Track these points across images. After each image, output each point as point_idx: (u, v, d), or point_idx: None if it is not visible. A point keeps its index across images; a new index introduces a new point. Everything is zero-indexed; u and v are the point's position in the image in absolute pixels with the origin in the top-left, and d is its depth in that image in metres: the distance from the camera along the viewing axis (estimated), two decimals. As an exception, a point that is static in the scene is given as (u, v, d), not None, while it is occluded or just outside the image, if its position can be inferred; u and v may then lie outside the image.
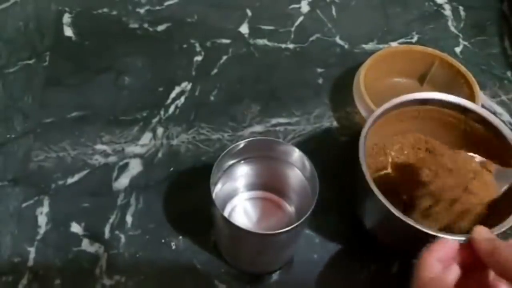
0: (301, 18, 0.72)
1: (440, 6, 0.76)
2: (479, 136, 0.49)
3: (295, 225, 0.39)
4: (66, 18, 0.69)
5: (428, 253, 0.33)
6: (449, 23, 0.74)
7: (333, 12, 0.73)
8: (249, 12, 0.72)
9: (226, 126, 0.60)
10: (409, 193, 0.48)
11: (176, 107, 0.61)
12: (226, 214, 0.50)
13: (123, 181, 0.55)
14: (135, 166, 0.56)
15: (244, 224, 0.50)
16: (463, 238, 0.41)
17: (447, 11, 0.75)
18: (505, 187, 0.45)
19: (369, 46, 0.70)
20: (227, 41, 0.68)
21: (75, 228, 0.51)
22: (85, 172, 0.55)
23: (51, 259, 0.49)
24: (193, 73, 0.65)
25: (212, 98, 0.63)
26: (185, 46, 0.68)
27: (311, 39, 0.70)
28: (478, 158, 0.47)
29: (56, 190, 0.54)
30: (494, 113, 0.56)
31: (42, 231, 0.51)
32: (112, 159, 0.56)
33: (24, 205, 0.52)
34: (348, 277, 0.50)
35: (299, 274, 0.50)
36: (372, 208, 0.45)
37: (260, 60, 0.67)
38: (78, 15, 0.70)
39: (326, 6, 0.74)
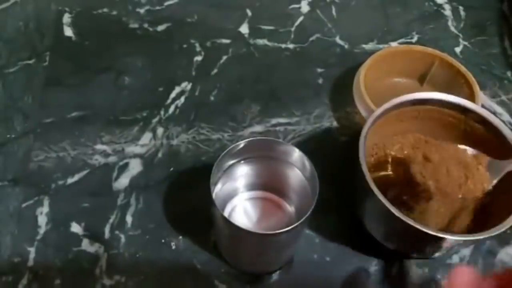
0: (301, 18, 0.72)
1: (440, 6, 0.76)
2: (479, 136, 0.49)
3: (295, 225, 0.39)
4: (66, 18, 0.69)
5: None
6: (449, 23, 0.74)
7: (333, 12, 0.73)
8: (249, 12, 0.72)
9: (226, 126, 0.60)
10: (409, 193, 0.48)
11: (176, 107, 0.61)
12: (226, 214, 0.50)
13: (123, 181, 0.55)
14: (135, 166, 0.56)
15: (244, 224, 0.50)
16: (463, 238, 0.41)
17: (447, 11, 0.75)
18: (497, 179, 0.45)
19: (369, 46, 0.70)
20: (227, 41, 0.68)
21: (75, 228, 0.51)
22: (85, 172, 0.55)
23: (51, 259, 0.49)
24: (193, 73, 0.65)
25: (212, 98, 0.63)
26: (185, 46, 0.68)
27: (311, 39, 0.70)
28: (470, 150, 0.47)
29: (56, 190, 0.54)
30: (494, 113, 0.56)
31: (42, 231, 0.51)
32: (112, 159, 0.56)
33: (24, 205, 0.52)
34: (348, 277, 0.50)
35: (299, 274, 0.50)
36: (372, 208, 0.45)
37: (260, 60, 0.67)
38: (78, 15, 0.70)
39: (326, 6, 0.74)
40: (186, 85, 0.63)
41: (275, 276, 0.49)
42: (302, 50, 0.68)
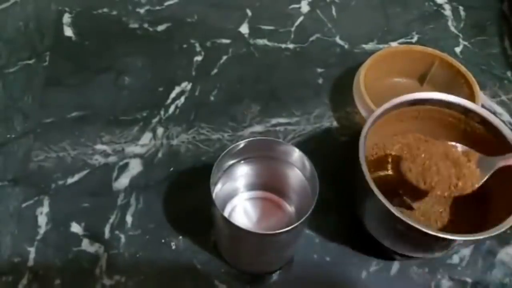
0: (301, 18, 0.72)
1: (440, 6, 0.76)
2: (479, 136, 0.49)
3: (295, 225, 0.39)
4: (66, 18, 0.69)
5: None
6: (449, 23, 0.74)
7: (333, 12, 0.73)
8: (249, 12, 0.72)
9: (226, 126, 0.60)
10: (409, 193, 0.48)
11: (176, 107, 0.61)
12: (226, 214, 0.50)
13: (123, 181, 0.55)
14: (135, 166, 0.56)
15: (244, 224, 0.50)
16: (463, 238, 0.41)
17: (447, 11, 0.75)
18: (487, 176, 0.45)
19: (369, 46, 0.70)
20: (227, 41, 0.68)
21: (75, 228, 0.51)
22: (85, 172, 0.55)
23: (51, 259, 0.49)
24: (193, 73, 0.65)
25: (212, 98, 0.63)
26: (185, 46, 0.68)
27: (311, 39, 0.70)
28: (460, 147, 0.47)
29: (56, 190, 0.54)
30: (494, 113, 0.56)
31: (42, 231, 0.51)
32: (112, 159, 0.56)
33: (24, 205, 0.52)
34: (348, 277, 0.50)
35: (299, 274, 0.50)
36: (372, 208, 0.45)
37: (260, 60, 0.67)
38: (78, 15, 0.70)
39: (326, 6, 0.74)
40: (186, 85, 0.63)
41: (275, 276, 0.49)
42: (302, 50, 0.68)
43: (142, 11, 0.71)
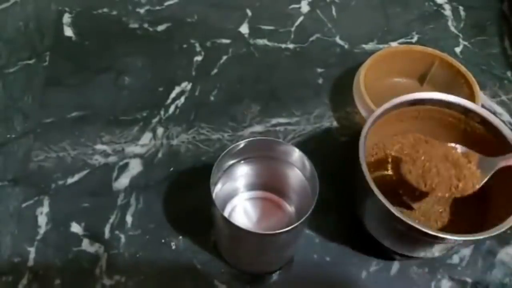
0: (301, 18, 0.72)
1: (440, 6, 0.76)
2: (479, 136, 0.49)
3: (295, 225, 0.39)
4: (66, 18, 0.69)
5: None
6: (449, 23, 0.74)
7: (333, 12, 0.73)
8: (249, 12, 0.72)
9: (226, 126, 0.60)
10: (409, 193, 0.48)
11: (176, 107, 0.61)
12: (226, 214, 0.50)
13: (123, 181, 0.55)
14: (135, 166, 0.56)
15: (244, 224, 0.50)
16: (463, 238, 0.41)
17: (447, 11, 0.75)
18: (488, 176, 0.45)
19: (369, 46, 0.70)
20: (227, 41, 0.68)
21: (75, 228, 0.51)
22: (85, 172, 0.55)
23: (51, 259, 0.49)
24: (193, 73, 0.65)
25: (212, 98, 0.63)
26: (185, 46, 0.68)
27: (311, 39, 0.70)
28: (460, 148, 0.47)
29: (56, 190, 0.54)
30: (494, 113, 0.56)
31: (42, 231, 0.51)
32: (112, 159, 0.56)
33: (24, 205, 0.52)
34: (348, 277, 0.50)
35: (299, 274, 0.50)
36: (372, 208, 0.45)
37: (260, 60, 0.67)
38: (78, 15, 0.70)
39: (326, 6, 0.74)
40: (186, 85, 0.63)
41: (275, 276, 0.49)
42: (302, 50, 0.68)
43: (142, 11, 0.71)
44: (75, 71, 0.64)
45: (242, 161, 0.47)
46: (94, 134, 0.58)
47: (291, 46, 0.69)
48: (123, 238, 0.51)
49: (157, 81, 0.64)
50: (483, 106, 0.57)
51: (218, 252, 0.50)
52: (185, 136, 0.59)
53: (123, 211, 0.52)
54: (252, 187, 0.51)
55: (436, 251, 0.45)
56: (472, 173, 0.45)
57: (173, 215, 0.52)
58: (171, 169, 0.56)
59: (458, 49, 0.70)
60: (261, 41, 0.69)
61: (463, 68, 0.59)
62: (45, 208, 0.52)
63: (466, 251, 0.52)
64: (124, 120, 0.60)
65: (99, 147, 0.57)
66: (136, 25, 0.69)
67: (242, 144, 0.44)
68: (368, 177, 0.42)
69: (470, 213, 0.49)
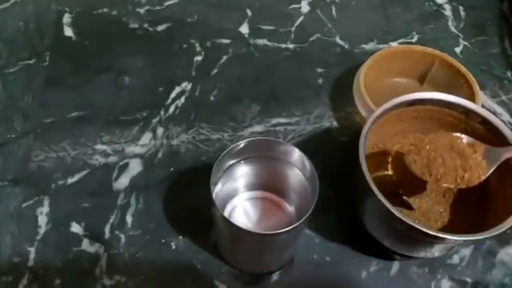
0: (301, 18, 0.72)
1: (440, 6, 0.76)
2: (479, 136, 0.49)
3: (295, 225, 0.39)
4: (66, 18, 0.69)
5: None
6: (449, 23, 0.74)
7: (333, 12, 0.73)
8: (249, 12, 0.72)
9: (226, 126, 0.60)
10: (408, 192, 0.48)
11: (176, 107, 0.61)
12: (226, 214, 0.50)
13: (123, 181, 0.55)
14: (135, 166, 0.56)
15: (244, 224, 0.50)
16: (463, 238, 0.41)
17: (447, 11, 0.75)
18: (494, 167, 0.44)
19: (369, 46, 0.70)
20: (227, 41, 0.68)
21: (75, 228, 0.51)
22: (85, 172, 0.55)
23: (51, 259, 0.49)
24: (193, 73, 0.65)
25: (212, 98, 0.63)
26: (185, 46, 0.68)
27: (311, 39, 0.70)
28: (465, 138, 0.46)
29: (56, 190, 0.54)
30: (494, 113, 0.56)
31: (42, 231, 0.51)
32: (112, 159, 0.56)
33: (24, 205, 0.52)
34: (348, 277, 0.50)
35: (299, 274, 0.50)
36: (372, 208, 0.45)
37: (260, 60, 0.67)
38: (78, 15, 0.70)
39: (326, 6, 0.74)
40: (186, 85, 0.63)
41: (275, 276, 0.49)
42: (302, 50, 0.68)
43: (142, 11, 0.71)
44: (75, 71, 0.64)
45: (242, 161, 0.47)
46: (94, 134, 0.58)
47: (291, 46, 0.69)
48: (123, 238, 0.51)
49: (157, 81, 0.64)
50: (483, 106, 0.57)
51: (218, 252, 0.50)
52: (185, 136, 0.59)
53: (123, 211, 0.52)
54: (252, 187, 0.51)
55: (436, 251, 0.45)
56: (478, 164, 0.44)
57: (173, 215, 0.52)
58: (171, 169, 0.56)
59: (458, 49, 0.70)
60: (261, 41, 0.69)
61: (463, 68, 0.59)
62: (45, 208, 0.52)
63: (466, 251, 0.52)
64: (124, 120, 0.60)
65: (99, 147, 0.57)
66: (136, 25, 0.69)
67: (242, 144, 0.44)
68: (368, 177, 0.42)
69: (470, 213, 0.49)
